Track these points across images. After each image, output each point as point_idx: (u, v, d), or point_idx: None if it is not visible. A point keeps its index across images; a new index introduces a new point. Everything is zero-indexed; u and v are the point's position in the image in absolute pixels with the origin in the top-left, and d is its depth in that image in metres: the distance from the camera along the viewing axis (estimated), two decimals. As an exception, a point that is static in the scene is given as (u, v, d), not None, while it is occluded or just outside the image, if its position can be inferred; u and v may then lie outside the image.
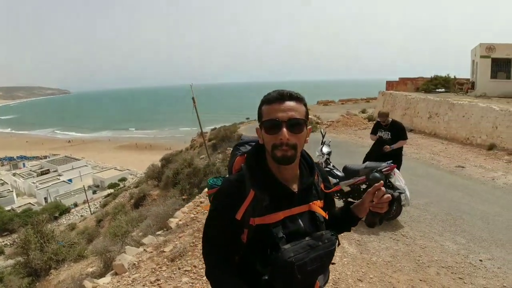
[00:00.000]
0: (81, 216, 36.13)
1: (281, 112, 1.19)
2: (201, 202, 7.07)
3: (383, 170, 5.03)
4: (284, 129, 1.18)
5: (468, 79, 19.53)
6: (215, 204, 1.31)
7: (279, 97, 1.22)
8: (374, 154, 5.96)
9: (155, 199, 16.99)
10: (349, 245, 4.50)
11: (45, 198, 47.22)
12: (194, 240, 4.84)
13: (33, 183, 51.95)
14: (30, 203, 46.39)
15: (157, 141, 74.51)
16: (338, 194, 5.57)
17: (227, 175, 1.51)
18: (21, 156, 72.67)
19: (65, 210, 42.20)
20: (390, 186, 5.03)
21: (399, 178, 5.08)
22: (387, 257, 4.17)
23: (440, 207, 5.76)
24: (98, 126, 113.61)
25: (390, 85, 23.44)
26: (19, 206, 44.63)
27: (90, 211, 34.49)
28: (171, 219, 6.37)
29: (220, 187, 1.34)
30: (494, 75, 16.33)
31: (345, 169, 5.57)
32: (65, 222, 37.62)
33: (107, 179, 50.91)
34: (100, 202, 34.99)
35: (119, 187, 40.77)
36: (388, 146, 5.66)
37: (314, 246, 1.22)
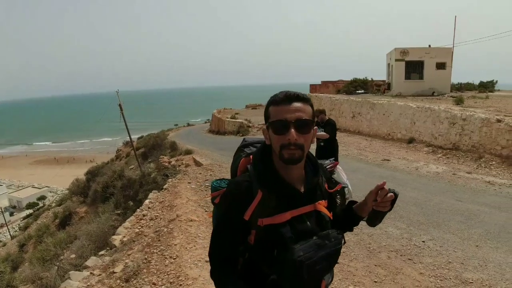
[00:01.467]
0: (0, 241, 32.31)
1: (289, 113, 1.21)
2: (143, 215, 6.71)
3: (327, 168, 5.26)
4: (292, 130, 1.19)
5: (384, 81, 21.43)
6: (224, 206, 1.31)
7: (287, 98, 1.24)
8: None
9: (82, 216, 15.81)
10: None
11: (-49, 225, 41.18)
12: (146, 256, 4.54)
13: None
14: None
15: (77, 153, 69.25)
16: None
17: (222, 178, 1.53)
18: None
19: (-33, 238, 37.30)
20: (334, 182, 5.28)
21: (341, 174, 5.33)
22: (339, 248, 4.37)
23: (374, 197, 6.20)
24: (10, 139, 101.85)
25: (313, 88, 24.84)
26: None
27: (10, 235, 30.85)
28: (114, 237, 5.91)
29: (228, 189, 1.32)
30: (408, 76, 18.20)
31: None
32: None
33: (25, 198, 46.22)
34: (19, 224, 31.82)
35: (38, 206, 37.41)
36: (318, 131, 5.83)
37: (322, 245, 1.23)
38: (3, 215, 36.91)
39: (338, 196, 4.89)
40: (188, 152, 14.16)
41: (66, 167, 55.33)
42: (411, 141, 11.64)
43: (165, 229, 5.38)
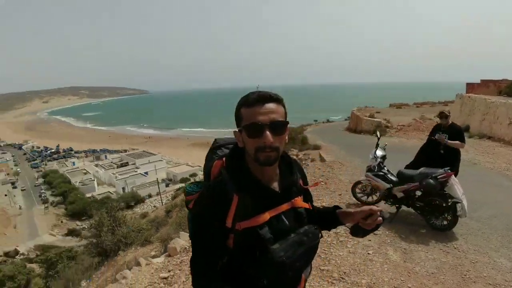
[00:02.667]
0: (154, 206, 38.78)
1: (262, 115, 1.18)
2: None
3: (438, 177, 4.71)
4: (268, 132, 1.18)
5: None
6: (200, 212, 1.29)
7: (260, 99, 1.20)
8: (424, 156, 5.57)
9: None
10: (393, 252, 4.30)
11: (123, 188, 51.65)
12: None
13: (113, 174, 57.22)
14: (109, 191, 51.18)
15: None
16: (391, 200, 5.33)
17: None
18: (104, 149, 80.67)
19: (140, 200, 45.77)
20: (445, 195, 4.70)
21: (456, 187, 4.70)
22: (431, 268, 3.90)
23: (503, 221, 5.20)
24: (172, 124, 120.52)
25: (470, 87, 21.34)
26: (99, 194, 49.42)
27: (162, 203, 36.73)
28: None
29: (202, 193, 1.30)
30: None
31: (399, 174, 5.30)
32: (139, 211, 40.62)
33: (179, 173, 53.98)
34: (171, 194, 37.18)
35: (190, 182, 42.73)
36: (443, 138, 5.15)
37: (301, 242, 1.25)
38: (159, 185, 44.10)
39: (450, 213, 4.55)
40: (316, 147, 14.37)
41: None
42: None
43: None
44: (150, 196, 47.64)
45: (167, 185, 52.00)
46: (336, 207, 1.49)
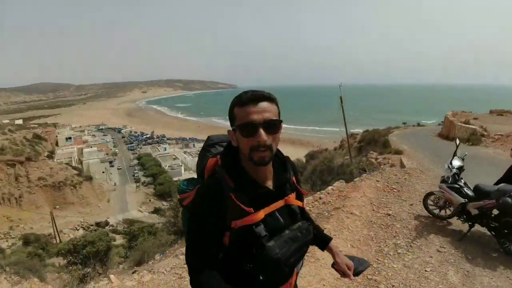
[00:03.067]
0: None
1: (256, 114, 1.20)
2: (320, 198, 7.30)
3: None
4: (262, 131, 1.20)
5: None
6: (197, 210, 1.31)
7: (253, 98, 1.23)
8: None
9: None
10: (454, 273, 4.06)
11: (206, 178, 54.69)
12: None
13: (202, 162, 60.90)
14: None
15: (305, 137, 76.75)
16: (464, 217, 4.94)
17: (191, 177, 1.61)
18: (192, 138, 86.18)
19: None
20: None
21: None
22: (491, 297, 3.64)
23: None
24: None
25: None
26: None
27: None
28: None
29: (200, 192, 1.34)
30: None
31: (476, 189, 4.86)
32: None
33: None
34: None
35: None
36: None
37: (295, 238, 1.29)
38: None
39: None
40: (398, 152, 13.71)
41: (297, 148, 62.47)
42: None
43: (326, 214, 5.83)
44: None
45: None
46: (330, 238, 1.70)
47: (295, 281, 1.47)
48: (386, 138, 17.88)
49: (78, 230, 34.88)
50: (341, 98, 18.07)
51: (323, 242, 1.67)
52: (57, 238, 25.60)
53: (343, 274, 1.58)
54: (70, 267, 9.45)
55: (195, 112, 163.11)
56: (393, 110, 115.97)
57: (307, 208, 6.60)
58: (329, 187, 8.52)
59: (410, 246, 4.68)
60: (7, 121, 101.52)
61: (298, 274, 1.48)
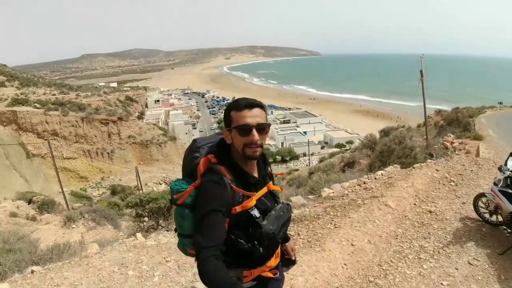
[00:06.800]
0: (306, 165, 40.37)
1: (250, 118, 1.50)
2: (364, 182, 6.91)
3: None
4: (255, 132, 1.50)
5: None
6: (209, 204, 1.46)
7: (248, 105, 1.52)
8: None
9: (362, 168, 17.20)
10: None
11: (282, 143, 55.33)
12: (319, 217, 5.13)
13: (275, 128, 61.59)
14: (269, 144, 55.68)
15: (388, 111, 72.24)
16: (510, 231, 4.30)
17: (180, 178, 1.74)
18: (271, 105, 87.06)
19: (295, 157, 48.49)
20: None
21: None
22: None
23: None
24: (338, 88, 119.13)
25: None
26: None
27: (309, 163, 37.90)
28: (325, 189, 6.74)
29: (207, 188, 1.50)
30: None
31: None
32: (292, 166, 43.05)
33: (336, 138, 54.24)
34: (325, 157, 38.04)
35: (345, 148, 41.93)
36: None
37: (280, 216, 1.61)
38: (308, 147, 45.21)
39: None
40: (478, 137, 12.12)
41: (377, 120, 59.31)
42: None
43: (359, 201, 5.50)
44: (304, 155, 49.66)
45: (322, 148, 53.05)
46: (288, 239, 2.00)
47: (281, 250, 1.86)
48: (468, 120, 15.91)
49: (160, 184, 38.24)
50: (421, 71, 16.43)
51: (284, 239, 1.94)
52: (141, 190, 28.32)
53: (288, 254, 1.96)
54: (138, 219, 10.46)
55: (276, 79, 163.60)
56: (488, 87, 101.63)
57: (345, 192, 6.39)
58: (380, 172, 8.00)
59: (438, 252, 4.17)
60: (103, 83, 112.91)
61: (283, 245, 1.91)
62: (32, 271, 4.37)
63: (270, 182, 1.73)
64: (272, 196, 1.71)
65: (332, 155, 29.75)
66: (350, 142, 49.65)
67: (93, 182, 43.09)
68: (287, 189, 11.95)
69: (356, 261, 3.87)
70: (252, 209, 1.54)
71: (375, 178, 7.27)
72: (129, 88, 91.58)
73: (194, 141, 1.75)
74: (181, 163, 1.77)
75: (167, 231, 6.75)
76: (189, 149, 1.73)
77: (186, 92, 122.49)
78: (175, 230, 1.72)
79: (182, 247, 1.74)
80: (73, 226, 10.44)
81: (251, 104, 1.53)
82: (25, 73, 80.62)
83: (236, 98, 1.71)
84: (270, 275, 1.70)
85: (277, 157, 48.42)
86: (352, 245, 4.15)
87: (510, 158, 4.54)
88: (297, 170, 30.67)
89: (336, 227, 4.59)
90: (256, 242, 1.52)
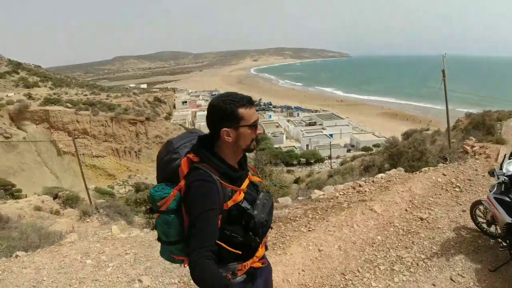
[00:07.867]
0: (331, 168, 39.67)
1: (255, 114, 1.59)
2: (360, 185, 6.51)
3: None
4: (260, 126, 1.62)
5: None
6: (203, 204, 1.46)
7: (251, 102, 1.58)
8: None
9: (379, 171, 16.67)
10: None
11: (307, 145, 54.74)
12: (306, 215, 4.87)
13: (301, 130, 61.24)
14: (294, 146, 55.34)
15: (419, 114, 69.89)
16: (508, 241, 3.63)
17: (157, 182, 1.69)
18: (297, 107, 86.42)
19: (320, 159, 47.73)
20: None
21: None
22: None
23: None
24: (366, 90, 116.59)
25: None
26: (285, 146, 54.31)
27: (331, 166, 37.21)
28: (317, 191, 6.49)
29: (197, 188, 1.48)
30: None
31: None
32: (317, 168, 42.42)
33: (363, 141, 53.16)
34: (347, 160, 37.17)
35: (371, 151, 40.99)
36: None
37: (265, 204, 1.65)
38: (330, 149, 44.35)
39: None
40: (501, 141, 11.30)
41: (406, 123, 57.41)
42: None
43: (345, 205, 5.14)
44: (330, 157, 48.78)
45: (348, 151, 51.97)
46: None
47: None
48: (493, 123, 14.95)
49: (183, 182, 38.88)
50: (443, 71, 15.60)
51: None
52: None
53: None
54: (147, 215, 10.61)
55: (304, 81, 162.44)
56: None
57: (336, 195, 6.05)
58: (380, 174, 7.59)
59: (417, 264, 3.72)
60: (133, 85, 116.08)
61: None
62: (16, 256, 4.69)
63: (250, 174, 1.76)
64: (255, 186, 1.75)
65: (353, 158, 29.07)
66: (377, 146, 48.17)
67: (120, 180, 44.38)
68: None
69: (317, 268, 3.56)
70: (242, 202, 1.56)
71: (373, 181, 6.87)
72: (158, 90, 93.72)
73: (170, 142, 1.68)
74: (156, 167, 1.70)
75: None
76: (165, 151, 1.66)
77: (214, 93, 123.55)
78: (158, 239, 1.64)
79: (167, 255, 1.66)
80: (88, 220, 10.70)
81: (252, 101, 1.59)
82: (59, 74, 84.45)
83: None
84: (259, 265, 1.74)
85: (302, 159, 47.79)
86: (319, 250, 3.83)
87: (508, 161, 4.02)
88: (318, 172, 30.15)
89: (309, 231, 4.28)
90: (251, 233, 1.56)
